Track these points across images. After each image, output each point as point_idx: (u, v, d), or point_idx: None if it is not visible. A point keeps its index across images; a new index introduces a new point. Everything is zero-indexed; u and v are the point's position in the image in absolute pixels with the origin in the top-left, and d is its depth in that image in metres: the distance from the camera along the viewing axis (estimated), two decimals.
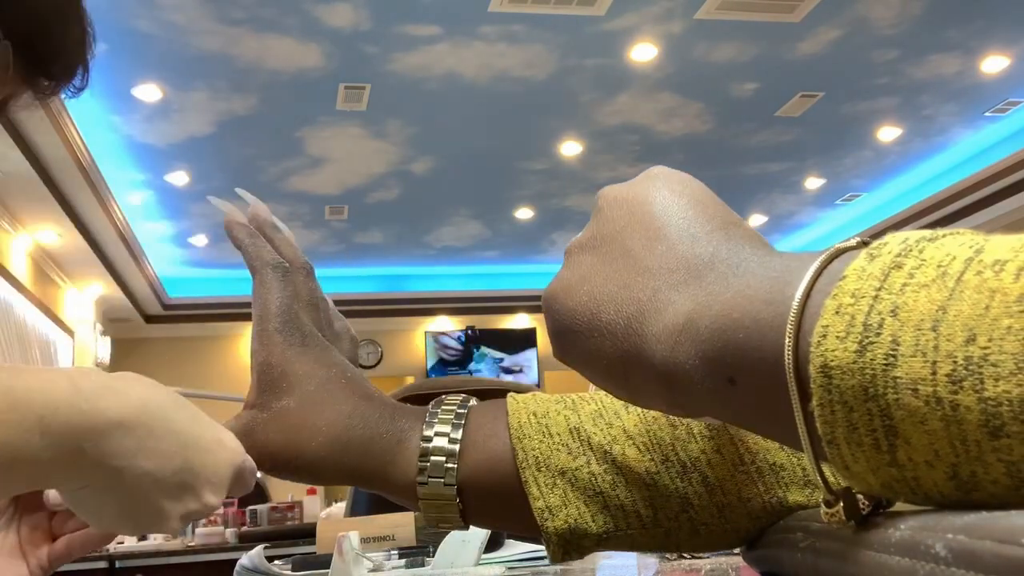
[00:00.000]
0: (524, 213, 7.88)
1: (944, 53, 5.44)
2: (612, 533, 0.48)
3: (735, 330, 0.32)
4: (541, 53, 5.18)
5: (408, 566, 1.16)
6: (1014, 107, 6.32)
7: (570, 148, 6.54)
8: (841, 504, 0.29)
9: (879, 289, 0.27)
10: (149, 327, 9.21)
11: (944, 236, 0.28)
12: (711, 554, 1.06)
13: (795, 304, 0.29)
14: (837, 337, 0.27)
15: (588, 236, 0.44)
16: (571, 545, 0.48)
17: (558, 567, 1.11)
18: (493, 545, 1.17)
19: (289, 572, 1.21)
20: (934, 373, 0.25)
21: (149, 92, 5.31)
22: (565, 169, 6.90)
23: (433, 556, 1.14)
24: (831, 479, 0.30)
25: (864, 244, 0.31)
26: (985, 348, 0.24)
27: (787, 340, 0.29)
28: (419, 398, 1.33)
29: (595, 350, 0.39)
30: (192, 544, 3.51)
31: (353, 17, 4.69)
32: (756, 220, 8.22)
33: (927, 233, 0.29)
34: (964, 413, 0.24)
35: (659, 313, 0.36)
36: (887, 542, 0.25)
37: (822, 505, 0.30)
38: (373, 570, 1.15)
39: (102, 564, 3.38)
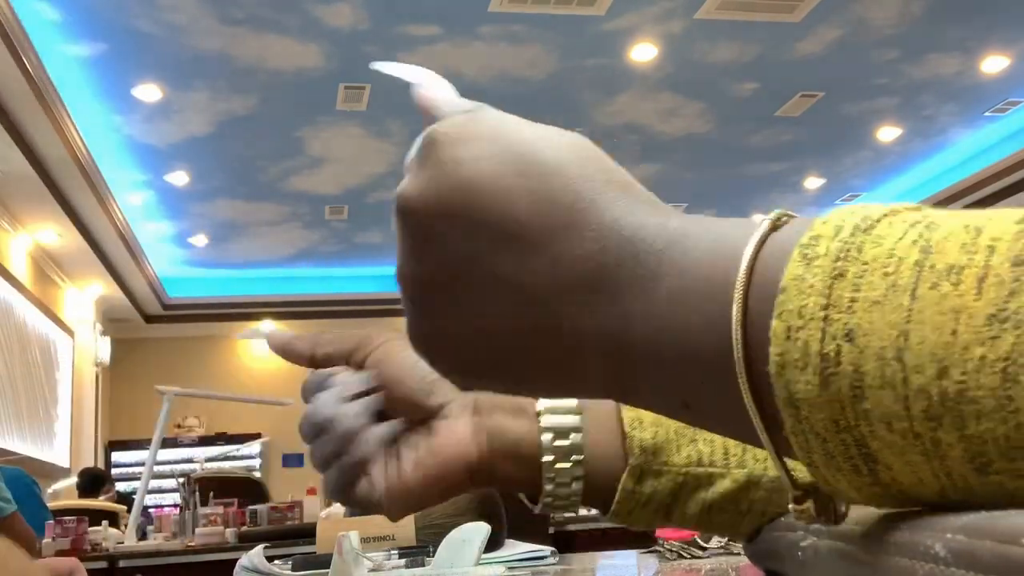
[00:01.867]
0: None
1: (944, 53, 5.44)
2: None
3: (680, 360, 0.29)
4: (541, 53, 5.18)
5: (408, 566, 1.16)
6: (1014, 107, 6.32)
7: None
8: (811, 502, 0.28)
9: (826, 307, 0.24)
10: (149, 327, 9.21)
11: (879, 221, 0.26)
12: (711, 554, 1.07)
13: (735, 314, 0.27)
14: (796, 368, 0.25)
15: (426, 271, 0.33)
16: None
17: (558, 567, 1.11)
18: (493, 545, 1.17)
19: (289, 572, 1.21)
20: (908, 408, 0.23)
21: (149, 92, 5.30)
22: None
23: (433, 556, 1.14)
24: (798, 477, 0.28)
25: (776, 225, 0.28)
26: (961, 383, 0.22)
27: (740, 375, 0.26)
28: None
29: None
30: (192, 544, 3.50)
31: (353, 17, 4.69)
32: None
33: (860, 217, 0.26)
34: (947, 449, 0.23)
35: (576, 350, 0.31)
36: (887, 542, 0.25)
37: (791, 503, 0.28)
38: (373, 570, 1.15)
39: (102, 564, 3.38)
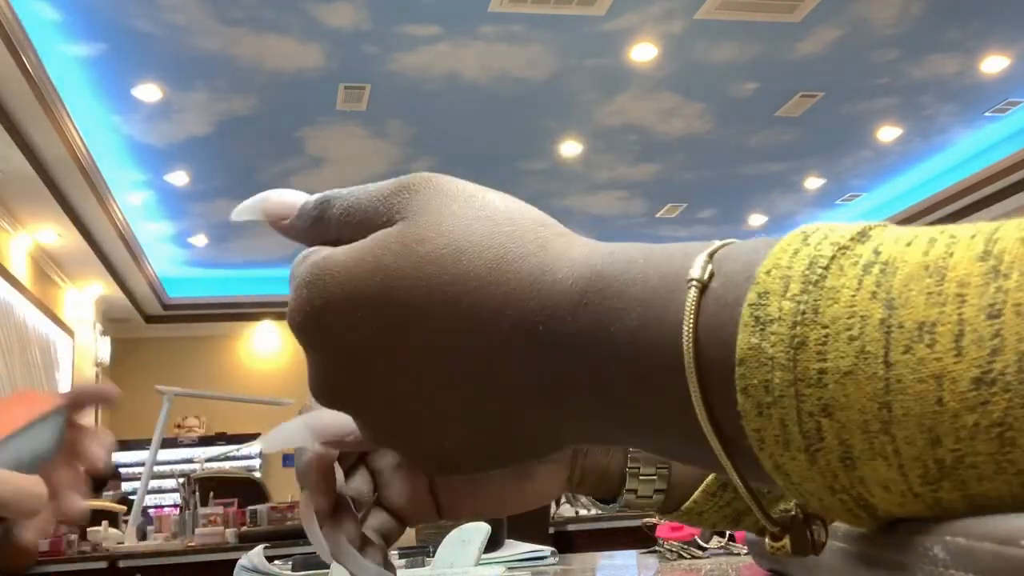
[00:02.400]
0: None
1: (944, 53, 5.44)
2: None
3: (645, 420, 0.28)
4: (541, 53, 5.18)
5: (408, 566, 1.16)
6: (1014, 107, 6.32)
7: (570, 148, 6.54)
8: (788, 539, 0.27)
9: (795, 383, 0.23)
10: (149, 327, 9.22)
11: (828, 269, 0.23)
12: (711, 554, 1.07)
13: (696, 396, 0.25)
14: (777, 442, 0.23)
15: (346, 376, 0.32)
16: None
17: (558, 567, 1.11)
18: (493, 545, 1.17)
19: (289, 572, 1.21)
20: (904, 475, 0.22)
21: (149, 92, 5.30)
22: (565, 169, 6.90)
23: (433, 556, 1.14)
24: (776, 515, 0.27)
25: (702, 285, 0.26)
26: (956, 451, 0.21)
27: (720, 456, 0.25)
28: None
29: None
30: (192, 544, 3.51)
31: (353, 17, 4.69)
32: (756, 220, 8.22)
33: (806, 264, 0.24)
34: (950, 505, 0.22)
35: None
36: (887, 543, 0.25)
37: (768, 538, 0.27)
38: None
39: (102, 564, 3.38)
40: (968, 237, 0.23)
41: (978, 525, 0.21)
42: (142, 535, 3.82)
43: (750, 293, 0.24)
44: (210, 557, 3.42)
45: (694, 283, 0.26)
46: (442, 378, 0.30)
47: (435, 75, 5.35)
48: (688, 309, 0.25)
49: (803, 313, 0.23)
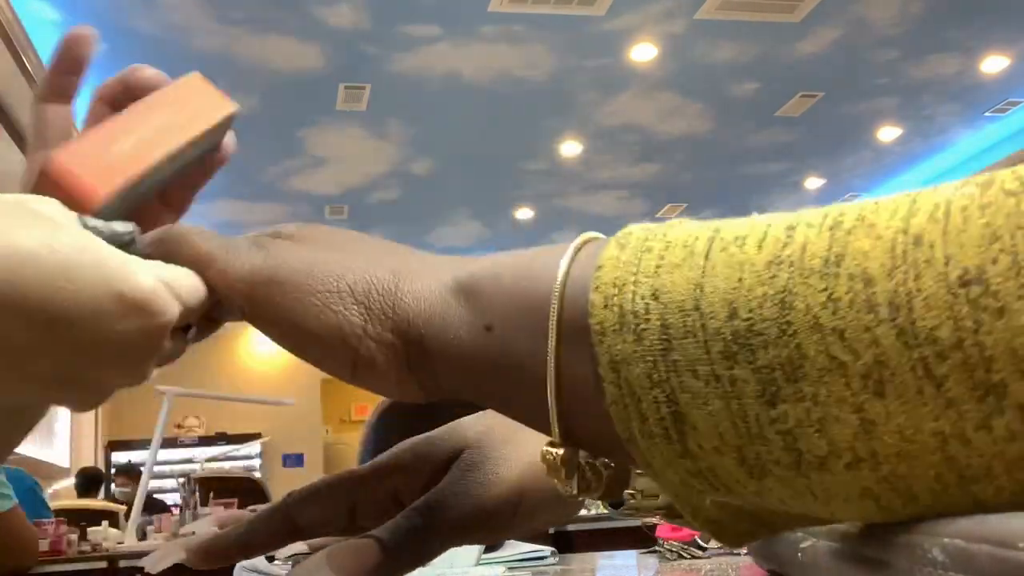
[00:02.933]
0: (524, 213, 7.88)
1: (944, 53, 5.44)
2: None
3: (502, 276, 0.32)
4: (541, 53, 5.19)
5: None
6: (1014, 107, 6.32)
7: (570, 148, 6.54)
8: (562, 450, 0.31)
9: (636, 274, 0.28)
10: None
11: (680, 223, 0.30)
12: (711, 554, 1.07)
13: (568, 252, 0.31)
14: (614, 331, 0.28)
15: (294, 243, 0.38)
16: None
17: (558, 567, 1.11)
18: (493, 545, 1.17)
19: (282, 570, 1.21)
20: (708, 352, 0.26)
21: None
22: (565, 169, 6.90)
23: None
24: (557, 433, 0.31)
25: (589, 240, 0.32)
26: (747, 319, 0.25)
27: (552, 326, 0.29)
28: (411, 405, 1.33)
29: (327, 314, 0.33)
30: None
31: (353, 17, 4.69)
32: None
33: (664, 223, 0.30)
34: (742, 386, 0.25)
35: (416, 277, 0.34)
36: (885, 545, 0.25)
37: (547, 447, 0.31)
38: None
39: (102, 564, 3.38)
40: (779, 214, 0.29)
41: (976, 528, 0.21)
42: (142, 535, 3.82)
43: (618, 235, 0.30)
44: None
45: (571, 248, 0.31)
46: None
47: (435, 75, 5.35)
48: (566, 258, 0.31)
49: (654, 235, 0.29)
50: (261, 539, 0.45)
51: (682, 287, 0.27)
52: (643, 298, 0.27)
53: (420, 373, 0.34)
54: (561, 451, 0.31)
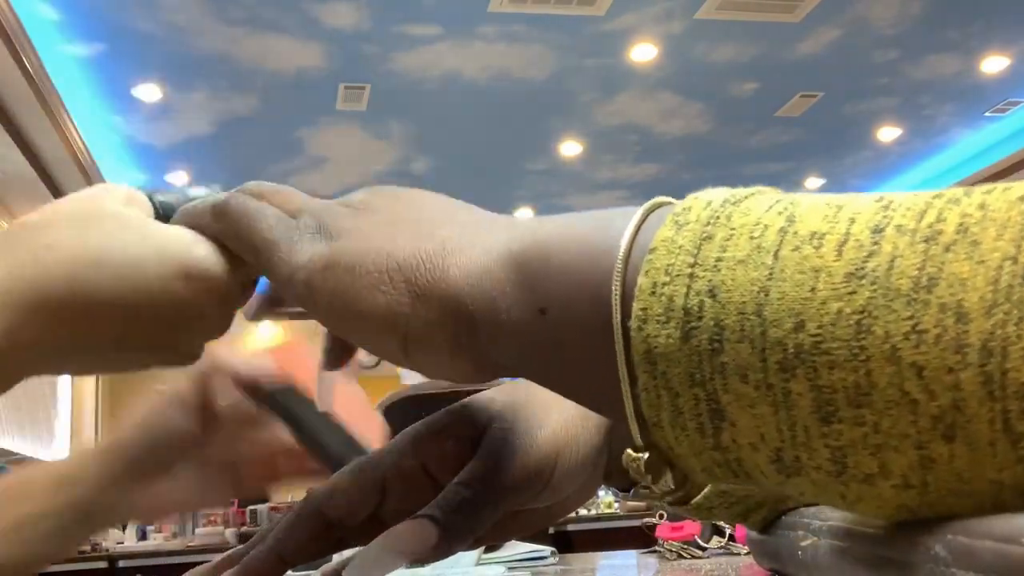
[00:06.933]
0: (524, 213, 7.88)
1: (944, 53, 5.44)
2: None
3: (556, 254, 0.30)
4: (541, 53, 5.19)
5: (408, 566, 1.16)
6: (1014, 107, 6.32)
7: (570, 148, 6.54)
8: (645, 455, 0.28)
9: (693, 266, 0.26)
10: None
11: (748, 198, 0.27)
12: (711, 554, 1.07)
13: (623, 244, 0.28)
14: (658, 321, 0.25)
15: (358, 203, 0.37)
16: None
17: (558, 567, 1.11)
18: (493, 545, 1.17)
19: (290, 571, 1.21)
20: (764, 360, 0.24)
21: (149, 92, 5.31)
22: (565, 169, 6.90)
23: None
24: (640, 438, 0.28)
25: (657, 205, 0.30)
26: (816, 336, 0.23)
27: (616, 331, 0.27)
28: (414, 401, 1.33)
29: (376, 295, 0.33)
30: (192, 544, 3.51)
31: (353, 17, 4.69)
32: None
33: (730, 195, 0.27)
34: (796, 399, 0.23)
35: (466, 250, 0.33)
36: (887, 542, 0.25)
37: (630, 451, 0.28)
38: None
39: (102, 564, 3.38)
40: (864, 195, 0.26)
41: (979, 524, 0.21)
42: (142, 535, 3.82)
43: (676, 207, 0.28)
44: (210, 557, 3.43)
45: (631, 226, 0.29)
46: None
47: (435, 75, 5.35)
48: (638, 214, 0.29)
49: (717, 218, 0.26)
50: (293, 545, 0.43)
51: (744, 287, 0.24)
52: (698, 294, 0.25)
53: (473, 352, 0.32)
54: (645, 456, 0.28)
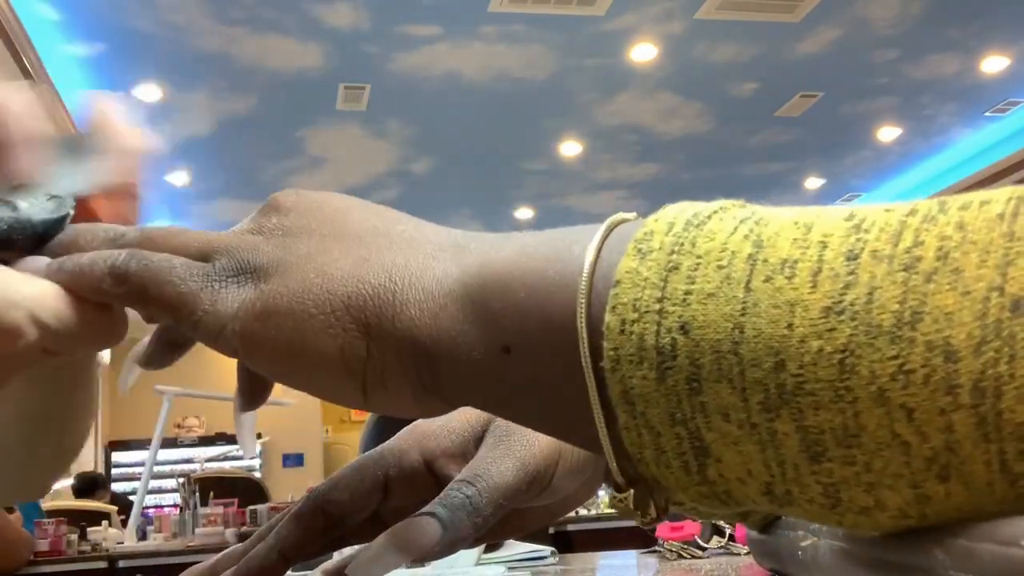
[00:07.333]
0: (524, 213, 7.88)
1: (944, 53, 5.44)
2: None
3: (515, 289, 0.28)
4: (541, 53, 5.19)
5: (408, 566, 1.16)
6: (1014, 107, 6.32)
7: (570, 148, 6.54)
8: (631, 493, 0.27)
9: (661, 300, 0.24)
10: (149, 327, 9.18)
11: (710, 217, 0.25)
12: (711, 554, 1.07)
13: (583, 280, 0.26)
14: (631, 362, 0.24)
15: (279, 225, 0.32)
16: None
17: (558, 567, 1.11)
18: (493, 545, 1.17)
19: (289, 572, 1.21)
20: (745, 400, 0.23)
21: (149, 92, 5.31)
22: (565, 169, 6.90)
23: None
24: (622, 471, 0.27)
25: (615, 224, 0.28)
26: (798, 376, 0.22)
27: (586, 370, 0.25)
28: None
29: (326, 339, 0.29)
30: (192, 544, 3.51)
31: (353, 17, 4.69)
32: None
33: (691, 214, 0.26)
34: (783, 439, 0.23)
35: (415, 283, 0.29)
36: (887, 544, 0.25)
37: (613, 490, 0.27)
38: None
39: (102, 564, 3.38)
40: (832, 211, 0.25)
41: (979, 527, 0.21)
42: (142, 535, 3.82)
43: (637, 232, 0.26)
44: (210, 557, 3.43)
45: (606, 222, 0.28)
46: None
47: (435, 75, 5.35)
48: (598, 235, 0.27)
49: (681, 245, 0.25)
50: (294, 542, 0.42)
51: (717, 323, 0.23)
52: (669, 331, 0.24)
53: (438, 392, 0.30)
54: (631, 494, 0.27)
